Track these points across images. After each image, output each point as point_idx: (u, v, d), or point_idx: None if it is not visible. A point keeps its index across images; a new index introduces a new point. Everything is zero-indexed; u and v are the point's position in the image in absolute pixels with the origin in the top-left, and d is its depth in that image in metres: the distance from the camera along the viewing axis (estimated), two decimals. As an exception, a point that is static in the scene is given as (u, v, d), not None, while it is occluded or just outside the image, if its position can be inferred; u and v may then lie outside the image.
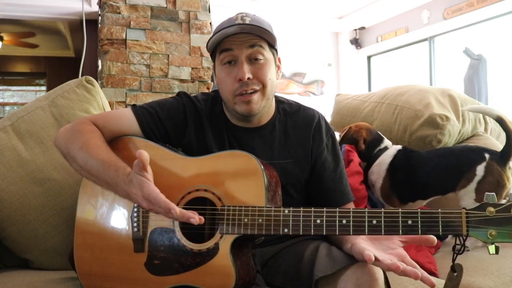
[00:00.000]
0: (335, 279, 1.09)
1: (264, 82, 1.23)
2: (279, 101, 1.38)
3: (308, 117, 1.35)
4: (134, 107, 1.31)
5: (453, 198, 1.76)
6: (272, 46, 1.27)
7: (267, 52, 1.25)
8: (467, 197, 1.65)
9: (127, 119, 1.28)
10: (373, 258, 0.98)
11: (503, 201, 1.63)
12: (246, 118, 1.27)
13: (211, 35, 1.25)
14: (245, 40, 1.21)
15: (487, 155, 1.66)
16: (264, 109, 1.27)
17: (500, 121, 1.71)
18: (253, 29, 1.20)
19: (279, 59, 1.33)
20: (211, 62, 3.54)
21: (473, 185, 1.63)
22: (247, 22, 1.21)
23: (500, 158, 1.67)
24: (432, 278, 1.45)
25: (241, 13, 1.24)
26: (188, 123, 1.30)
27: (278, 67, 1.33)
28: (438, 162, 1.78)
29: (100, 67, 3.53)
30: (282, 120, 1.34)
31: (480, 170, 1.63)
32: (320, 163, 1.32)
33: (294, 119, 1.35)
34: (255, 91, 1.22)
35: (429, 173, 1.77)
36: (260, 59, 1.23)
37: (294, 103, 1.39)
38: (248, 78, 1.20)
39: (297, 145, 1.32)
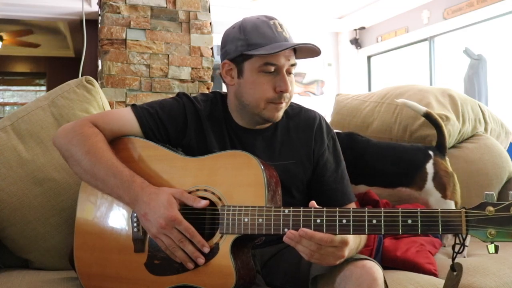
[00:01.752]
0: (334, 279, 1.09)
1: (291, 95, 1.28)
2: None
3: (309, 119, 1.36)
4: (134, 107, 1.31)
5: (405, 193, 1.79)
6: None
7: None
8: (432, 198, 1.72)
9: (128, 120, 1.28)
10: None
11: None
12: (266, 122, 1.29)
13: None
14: (289, 54, 1.23)
15: (431, 152, 1.74)
16: None
17: (428, 115, 1.79)
18: (304, 47, 1.24)
19: None
20: (212, 62, 3.54)
21: (430, 184, 1.70)
22: (286, 32, 1.24)
23: (439, 151, 1.76)
24: (431, 277, 1.46)
25: (274, 19, 1.26)
26: (188, 123, 1.30)
27: None
28: (388, 154, 1.79)
29: (100, 67, 3.53)
30: (283, 122, 1.34)
31: (429, 168, 1.71)
32: (321, 164, 1.33)
33: (296, 120, 1.35)
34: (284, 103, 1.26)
35: (379, 162, 1.78)
36: (292, 73, 1.27)
37: (295, 105, 1.40)
38: None
39: (299, 146, 1.32)
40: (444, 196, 1.69)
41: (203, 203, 1.11)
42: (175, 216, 1.08)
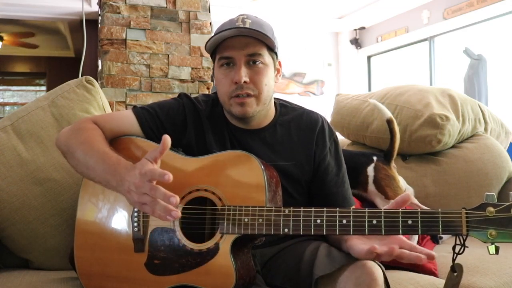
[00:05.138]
0: (334, 279, 1.09)
1: (259, 89, 1.23)
2: (281, 105, 1.38)
3: (311, 121, 1.35)
4: (134, 107, 1.32)
5: (354, 194, 1.79)
6: (272, 50, 1.26)
7: (267, 57, 1.25)
8: (378, 198, 1.80)
9: (128, 119, 1.28)
10: (376, 248, 0.99)
11: (409, 188, 1.86)
12: (242, 120, 1.27)
13: (211, 35, 1.25)
14: (244, 43, 1.21)
15: (374, 158, 1.83)
16: (260, 113, 1.27)
17: (389, 122, 1.85)
18: (251, 32, 1.20)
19: (279, 62, 1.32)
20: (211, 62, 3.54)
21: (372, 186, 1.79)
22: (247, 24, 1.20)
23: (384, 158, 1.84)
24: (431, 277, 1.46)
25: (242, 15, 1.24)
26: (188, 124, 1.30)
27: (278, 71, 1.32)
28: None
29: (100, 67, 3.53)
30: (284, 123, 1.34)
31: (370, 170, 1.80)
32: (323, 167, 1.32)
33: (297, 122, 1.34)
34: (249, 95, 1.22)
35: None
36: (258, 64, 1.23)
37: (298, 107, 1.39)
38: (245, 82, 1.20)
39: (299, 148, 1.32)
40: (387, 197, 1.77)
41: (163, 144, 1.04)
42: (145, 170, 1.00)
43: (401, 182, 1.84)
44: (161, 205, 0.99)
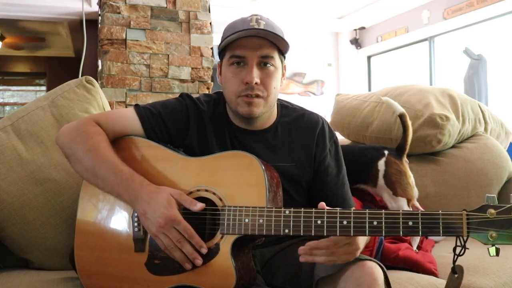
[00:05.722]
0: (334, 279, 1.10)
1: (268, 91, 1.24)
2: (283, 105, 1.38)
3: (312, 122, 1.35)
4: (137, 107, 1.31)
5: (364, 190, 1.84)
6: (282, 54, 1.27)
7: (277, 60, 1.25)
8: (386, 194, 1.78)
9: (130, 120, 1.28)
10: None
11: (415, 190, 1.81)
12: (247, 120, 1.27)
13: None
14: (258, 44, 1.21)
15: (386, 152, 1.81)
16: (264, 115, 1.28)
17: (401, 117, 1.84)
18: (268, 35, 1.20)
19: (284, 66, 1.33)
20: (212, 62, 3.54)
21: (381, 181, 1.76)
22: (261, 26, 1.20)
23: (396, 152, 1.82)
24: (431, 278, 1.46)
25: (255, 15, 1.24)
26: (191, 124, 1.30)
27: (283, 75, 1.33)
28: (346, 155, 1.85)
29: (100, 67, 3.53)
30: (285, 124, 1.34)
31: (381, 165, 1.77)
32: (323, 168, 1.32)
33: (298, 123, 1.35)
34: (258, 96, 1.22)
35: None
36: (270, 66, 1.23)
37: (299, 108, 1.39)
38: (256, 83, 1.21)
39: (300, 149, 1.32)
40: (395, 194, 1.75)
41: (199, 206, 1.11)
42: (174, 216, 1.08)
43: (412, 178, 1.81)
44: (180, 254, 1.10)
